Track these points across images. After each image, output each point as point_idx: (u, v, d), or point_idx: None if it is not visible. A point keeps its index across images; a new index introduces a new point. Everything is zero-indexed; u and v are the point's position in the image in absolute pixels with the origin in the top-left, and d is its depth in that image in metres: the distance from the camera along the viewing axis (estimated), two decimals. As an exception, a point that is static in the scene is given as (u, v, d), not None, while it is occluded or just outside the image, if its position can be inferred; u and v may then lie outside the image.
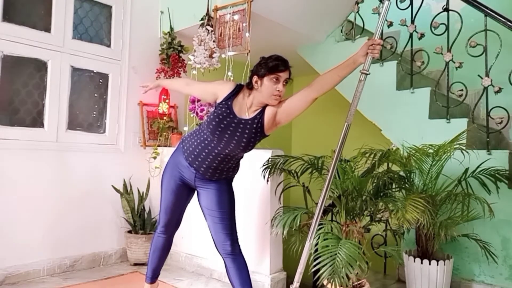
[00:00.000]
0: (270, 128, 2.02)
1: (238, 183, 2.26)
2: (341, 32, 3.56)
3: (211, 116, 2.03)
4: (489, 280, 2.55)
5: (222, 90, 2.04)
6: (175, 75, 3.53)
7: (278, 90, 1.94)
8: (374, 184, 2.42)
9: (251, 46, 2.95)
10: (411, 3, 3.08)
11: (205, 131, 2.05)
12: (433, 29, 2.94)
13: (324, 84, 1.93)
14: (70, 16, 3.15)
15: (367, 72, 1.87)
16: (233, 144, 1.99)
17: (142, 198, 3.39)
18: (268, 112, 1.99)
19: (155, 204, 3.36)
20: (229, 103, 2.00)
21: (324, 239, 2.09)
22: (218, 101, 2.04)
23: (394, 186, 2.50)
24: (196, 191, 2.22)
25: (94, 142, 3.29)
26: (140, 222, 3.31)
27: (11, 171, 2.81)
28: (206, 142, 2.04)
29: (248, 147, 2.02)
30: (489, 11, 2.64)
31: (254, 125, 1.98)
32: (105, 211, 3.30)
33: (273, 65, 1.92)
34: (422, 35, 3.00)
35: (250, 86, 2.01)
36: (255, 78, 1.97)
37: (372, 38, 1.85)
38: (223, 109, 1.99)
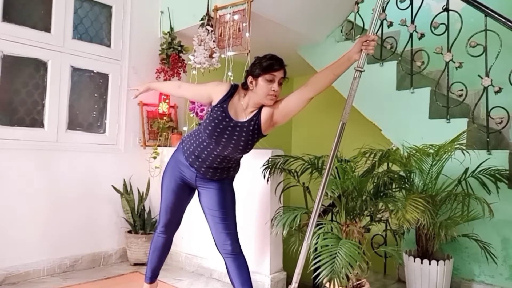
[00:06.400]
0: (267, 128, 2.01)
1: (238, 183, 2.26)
2: (341, 32, 3.56)
3: (207, 120, 2.01)
4: (489, 280, 2.55)
5: (216, 92, 2.02)
6: (175, 75, 3.53)
7: (274, 90, 1.92)
8: (374, 184, 2.41)
9: (251, 46, 2.95)
10: (411, 3, 3.08)
11: (202, 132, 2.05)
12: (433, 29, 2.93)
13: (319, 83, 1.91)
14: (70, 16, 3.15)
15: (362, 70, 1.84)
16: (231, 146, 1.99)
17: (142, 198, 3.38)
18: (265, 112, 1.98)
19: (155, 204, 3.36)
20: (225, 106, 1.98)
21: (324, 239, 2.09)
22: (213, 103, 2.02)
23: (394, 186, 2.50)
24: (196, 191, 2.22)
25: (94, 142, 3.28)
26: (140, 222, 3.31)
27: (11, 171, 2.80)
28: (205, 143, 2.03)
29: (247, 148, 2.02)
30: (489, 11, 2.64)
31: (251, 127, 1.97)
32: (105, 211, 3.30)
33: (267, 65, 1.91)
34: (422, 35, 2.99)
35: (245, 87, 1.99)
36: (250, 78, 1.96)
37: (366, 35, 1.83)
38: (219, 113, 1.97)
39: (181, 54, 3.54)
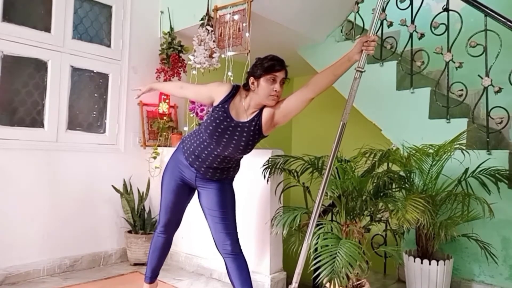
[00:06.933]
0: (268, 129, 2.01)
1: (238, 183, 2.26)
2: (341, 32, 3.56)
3: (208, 121, 2.01)
4: (489, 280, 2.55)
5: (218, 93, 2.02)
6: (175, 75, 3.53)
7: (275, 91, 1.93)
8: (374, 184, 2.41)
9: (251, 46, 2.95)
10: (411, 3, 3.08)
11: (203, 132, 2.05)
12: (433, 29, 2.93)
13: (319, 84, 1.91)
14: (70, 16, 3.15)
15: (362, 70, 1.84)
16: (232, 147, 1.99)
17: (142, 198, 3.39)
18: (266, 113, 1.98)
19: (155, 204, 3.36)
20: (226, 106, 1.99)
21: (324, 239, 2.09)
22: (215, 104, 2.02)
23: (394, 186, 2.50)
24: (196, 191, 2.22)
25: (94, 142, 3.28)
26: (140, 222, 3.31)
27: (11, 171, 2.80)
28: (205, 143, 2.03)
29: (247, 149, 2.02)
30: (489, 11, 2.64)
31: (252, 128, 1.97)
32: (105, 211, 3.30)
33: (268, 65, 1.91)
34: (422, 35, 2.99)
35: (246, 88, 2.00)
36: (251, 79, 1.96)
37: (366, 35, 1.83)
38: (220, 113, 1.98)
39: (181, 54, 3.54)
